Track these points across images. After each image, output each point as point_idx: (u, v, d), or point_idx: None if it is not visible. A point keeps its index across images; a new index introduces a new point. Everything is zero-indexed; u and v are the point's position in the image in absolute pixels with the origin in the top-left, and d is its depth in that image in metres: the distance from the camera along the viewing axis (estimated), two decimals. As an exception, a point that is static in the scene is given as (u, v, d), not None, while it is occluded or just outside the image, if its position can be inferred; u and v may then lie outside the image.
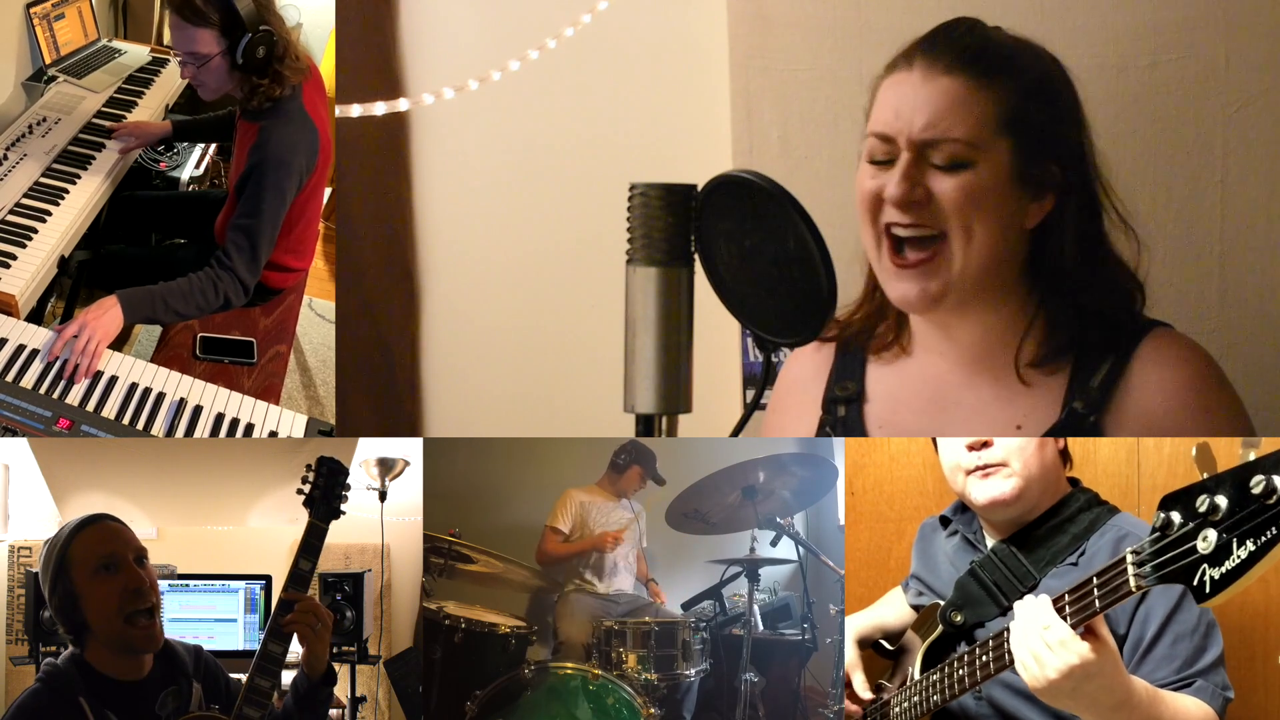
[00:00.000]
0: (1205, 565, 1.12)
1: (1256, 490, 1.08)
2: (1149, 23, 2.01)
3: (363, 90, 2.41)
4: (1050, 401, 1.53)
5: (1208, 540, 1.11)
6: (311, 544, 1.80)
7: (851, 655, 1.80)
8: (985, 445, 1.61)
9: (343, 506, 1.85)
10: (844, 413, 1.69)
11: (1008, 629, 1.40)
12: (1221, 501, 1.11)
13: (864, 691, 1.75)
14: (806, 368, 1.76)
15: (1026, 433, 1.55)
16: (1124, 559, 1.23)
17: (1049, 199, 1.52)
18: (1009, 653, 1.40)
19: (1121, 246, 1.57)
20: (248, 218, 2.54)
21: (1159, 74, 2.01)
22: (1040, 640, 1.32)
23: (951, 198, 1.48)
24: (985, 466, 1.61)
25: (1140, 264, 1.58)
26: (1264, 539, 1.07)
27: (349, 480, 1.86)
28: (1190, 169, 2.02)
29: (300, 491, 1.84)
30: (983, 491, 1.62)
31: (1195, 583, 1.13)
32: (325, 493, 1.83)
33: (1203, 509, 1.13)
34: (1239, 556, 1.08)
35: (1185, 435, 1.50)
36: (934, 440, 1.73)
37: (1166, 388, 1.49)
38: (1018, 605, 1.38)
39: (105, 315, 2.31)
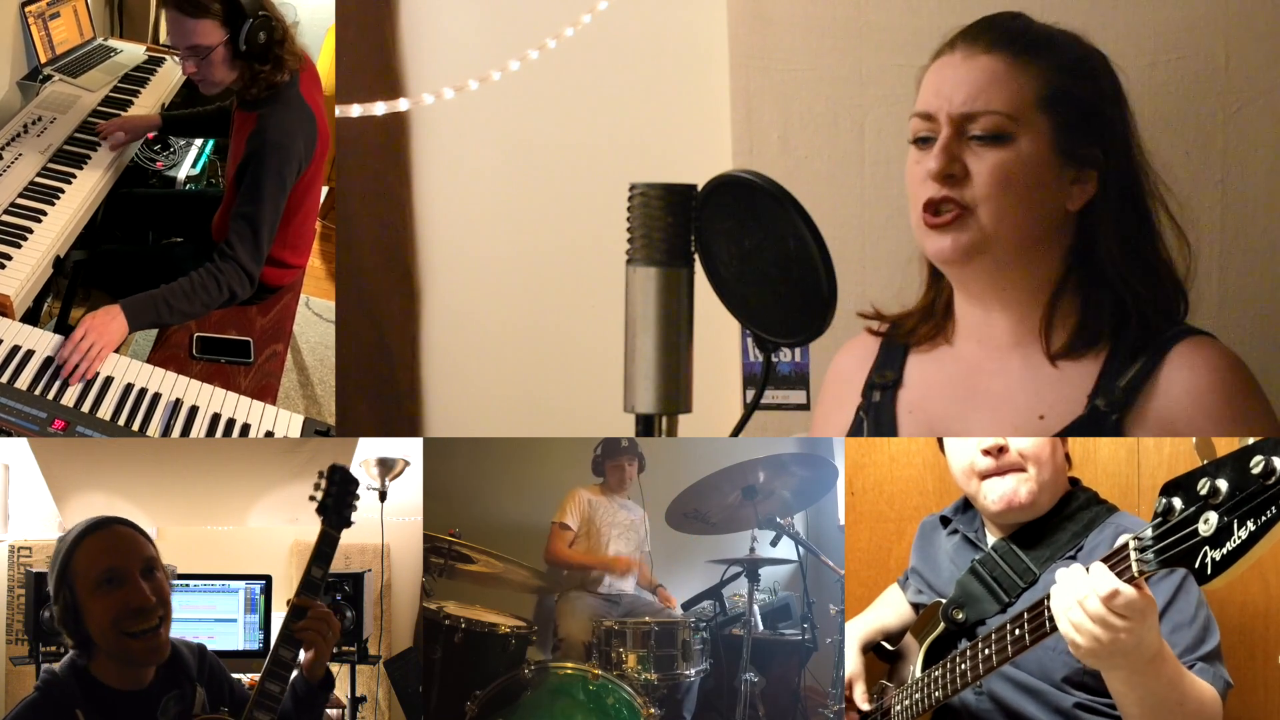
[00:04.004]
0: (1207, 547, 1.12)
1: (1256, 470, 1.08)
2: (1149, 23, 2.02)
3: (363, 90, 2.41)
4: (1076, 395, 1.53)
5: (1209, 522, 1.12)
6: (324, 552, 1.80)
7: (854, 664, 1.80)
8: (1002, 450, 1.61)
9: (352, 516, 1.87)
10: (878, 398, 1.70)
11: (1046, 599, 1.36)
12: (1222, 484, 1.12)
13: (863, 703, 1.75)
14: (851, 361, 1.77)
15: (1048, 423, 1.54)
16: (1126, 545, 1.23)
17: (1092, 182, 1.52)
18: (1025, 635, 1.40)
19: (1171, 247, 1.56)
20: (249, 204, 2.53)
21: (1159, 74, 2.01)
22: (1099, 602, 1.26)
23: (987, 176, 1.48)
24: (1001, 471, 1.62)
25: (1190, 271, 1.57)
26: (1264, 518, 1.07)
27: (358, 490, 1.89)
28: (1190, 169, 2.02)
29: (313, 498, 1.84)
30: (999, 496, 1.62)
31: (1197, 565, 1.13)
32: (338, 501, 1.84)
33: (1204, 492, 1.13)
34: (1239, 537, 1.09)
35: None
36: (940, 441, 1.73)
37: (1193, 393, 1.47)
38: (1060, 573, 1.33)
39: (112, 322, 2.31)
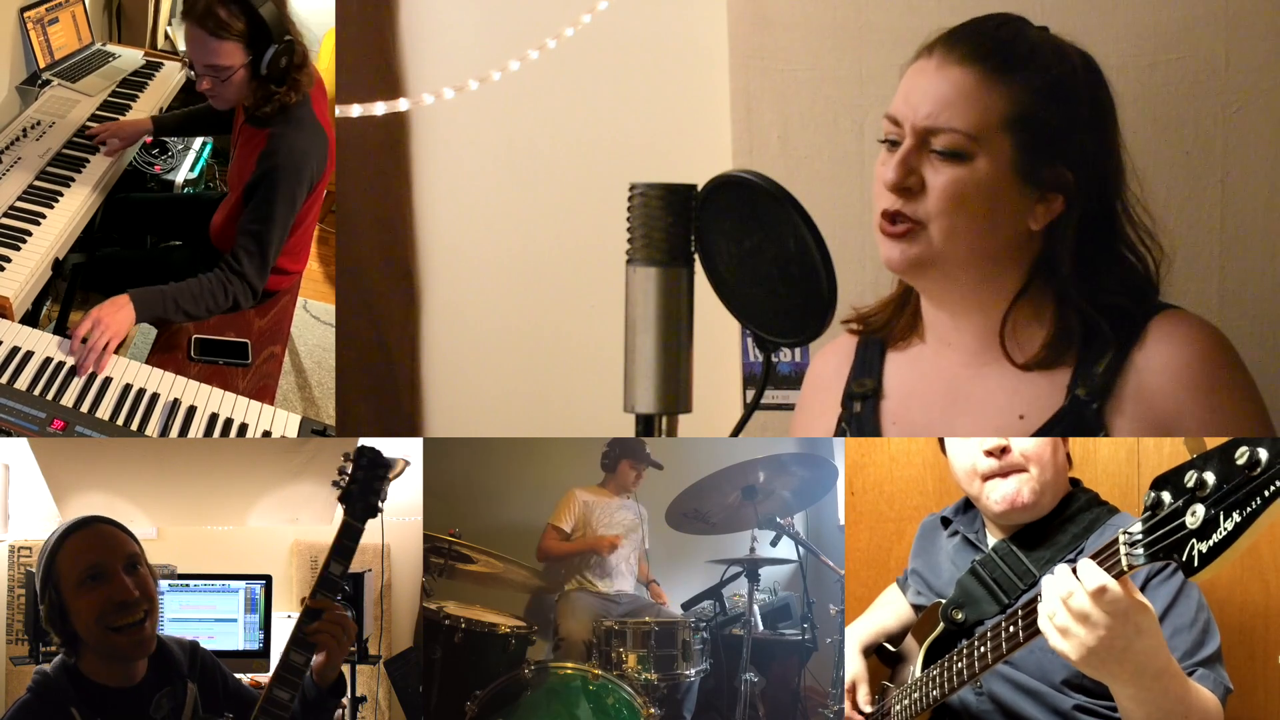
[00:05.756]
0: (1194, 540, 1.12)
1: (1241, 462, 1.09)
2: (1149, 23, 2.01)
3: (363, 90, 2.41)
4: (1054, 387, 1.52)
5: (1196, 515, 1.12)
6: (346, 545, 1.67)
7: (857, 666, 1.79)
8: (1005, 451, 1.61)
9: (380, 504, 1.70)
10: (860, 409, 1.69)
11: (1037, 599, 1.35)
12: (1209, 477, 1.12)
13: (865, 705, 1.75)
14: (829, 365, 1.76)
15: (1029, 421, 1.53)
16: (1116, 540, 1.23)
17: (1058, 202, 1.49)
18: (1019, 632, 1.39)
19: (1142, 258, 1.54)
20: (259, 224, 2.54)
21: (1159, 74, 2.01)
22: (1085, 597, 1.25)
23: (941, 192, 1.46)
24: (1004, 472, 1.62)
25: (1160, 275, 1.55)
26: (1249, 509, 1.08)
27: (388, 474, 1.71)
28: (1190, 169, 2.02)
29: (336, 484, 1.71)
30: (1001, 497, 1.62)
31: (1184, 558, 1.13)
32: (364, 487, 1.68)
33: (1190, 485, 1.14)
34: (1225, 529, 1.09)
35: (1190, 417, 1.46)
36: (941, 441, 1.73)
37: (1171, 367, 1.46)
38: (1046, 579, 1.32)
39: (119, 313, 2.32)
